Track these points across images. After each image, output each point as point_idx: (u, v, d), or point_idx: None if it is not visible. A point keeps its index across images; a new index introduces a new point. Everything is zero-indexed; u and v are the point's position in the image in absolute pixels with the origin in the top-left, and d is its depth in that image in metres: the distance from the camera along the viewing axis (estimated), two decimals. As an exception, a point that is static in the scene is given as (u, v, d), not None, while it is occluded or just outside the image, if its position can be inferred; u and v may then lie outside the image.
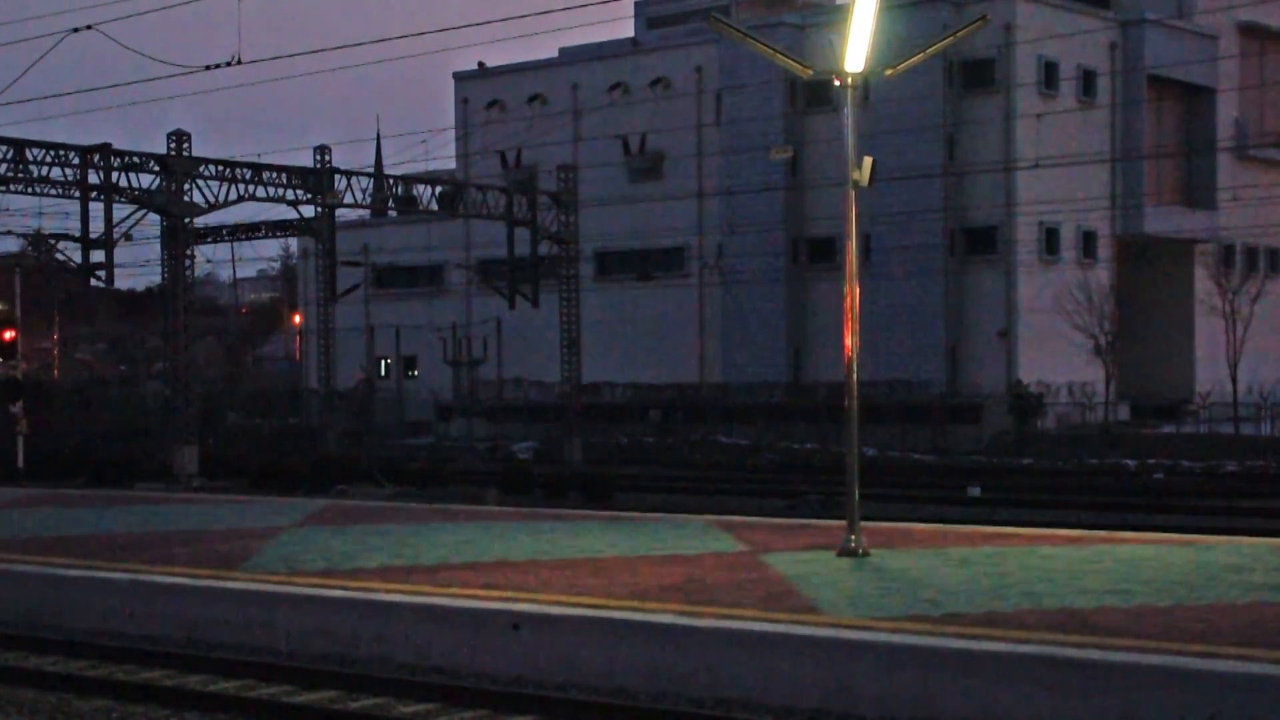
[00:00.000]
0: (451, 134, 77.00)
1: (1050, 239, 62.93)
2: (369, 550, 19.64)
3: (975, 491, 35.51)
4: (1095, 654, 11.81)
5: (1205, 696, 11.10)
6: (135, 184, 41.68)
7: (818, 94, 62.23)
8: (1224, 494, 35.53)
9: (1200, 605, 14.08)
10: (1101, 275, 63.06)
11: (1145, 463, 45.53)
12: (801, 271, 66.07)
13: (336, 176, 46.23)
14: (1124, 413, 61.83)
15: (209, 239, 53.05)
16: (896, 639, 12.64)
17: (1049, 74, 62.61)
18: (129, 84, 49.54)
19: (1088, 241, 64.50)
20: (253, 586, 16.69)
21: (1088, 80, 64.23)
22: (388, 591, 15.92)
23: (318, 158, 46.57)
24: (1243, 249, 69.29)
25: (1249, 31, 71.78)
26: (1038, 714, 11.66)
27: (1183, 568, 16.67)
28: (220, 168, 43.32)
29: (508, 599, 15.14)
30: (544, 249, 51.24)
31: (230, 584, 16.93)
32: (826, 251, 63.43)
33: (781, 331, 65.98)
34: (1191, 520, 27.39)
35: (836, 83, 18.54)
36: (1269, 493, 35.76)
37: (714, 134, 67.80)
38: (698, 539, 20.36)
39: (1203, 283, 65.13)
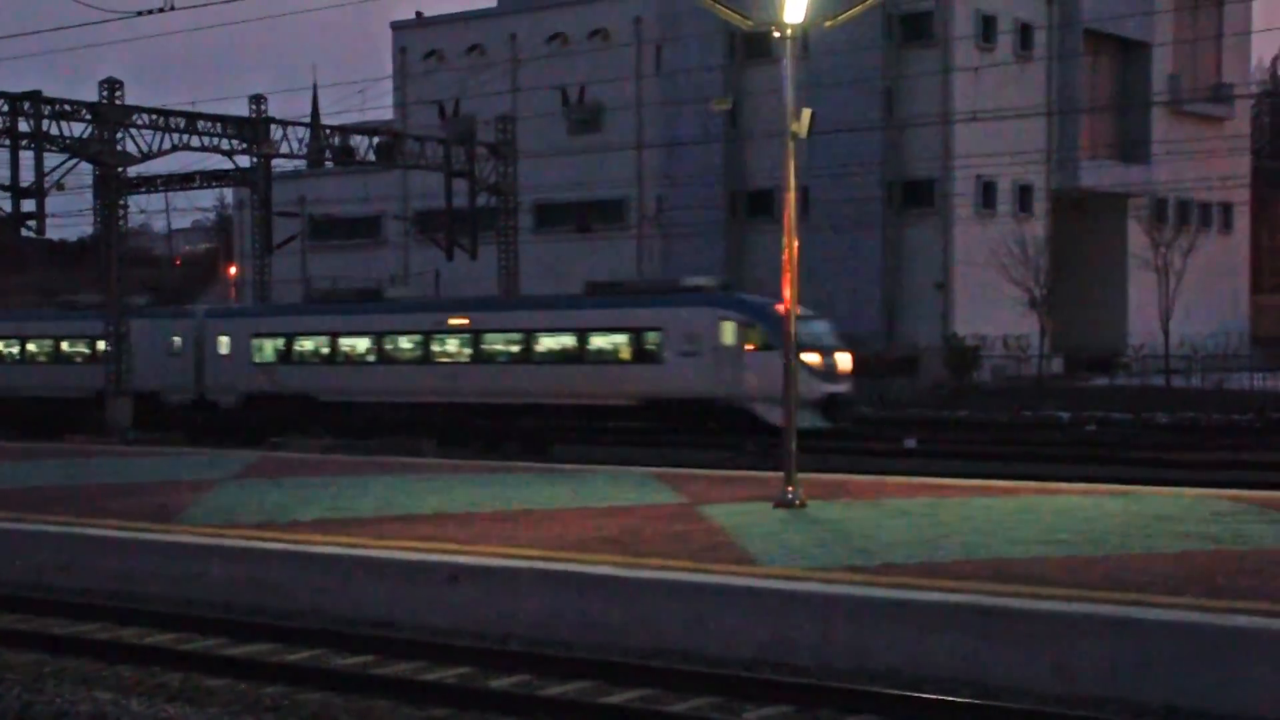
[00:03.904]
0: (389, 84, 76.44)
1: (987, 192, 63.25)
2: (305, 502, 19.56)
3: (911, 443, 35.72)
4: (1028, 603, 11.94)
5: (1136, 644, 11.25)
6: (67, 132, 41.06)
7: (757, 46, 62.05)
8: (1155, 445, 35.93)
9: (1132, 554, 14.26)
10: (1037, 228, 63.46)
11: (1079, 414, 45.98)
12: (740, 224, 66.09)
13: (272, 126, 45.74)
14: (1058, 365, 62.41)
15: (142, 189, 52.45)
16: (832, 590, 12.73)
17: (987, 27, 62.78)
18: (59, 29, 48.80)
19: (1024, 195, 64.88)
20: (187, 539, 16.59)
21: (1025, 34, 64.45)
22: (324, 544, 15.86)
23: (253, 107, 46.07)
24: (1175, 203, 69.92)
25: (1184, -14, 72.21)
26: (972, 663, 11.78)
27: (1115, 518, 16.87)
28: (154, 116, 42.74)
29: (445, 551, 15.13)
30: (482, 200, 50.95)
31: (165, 536, 16.81)
32: (765, 204, 63.45)
33: (720, 284, 65.95)
34: (1124, 471, 27.68)
35: (776, 34, 18.52)
36: (1199, 444, 36.20)
37: (653, 85, 67.57)
38: (636, 491, 20.40)
39: (1136, 237, 65.69)
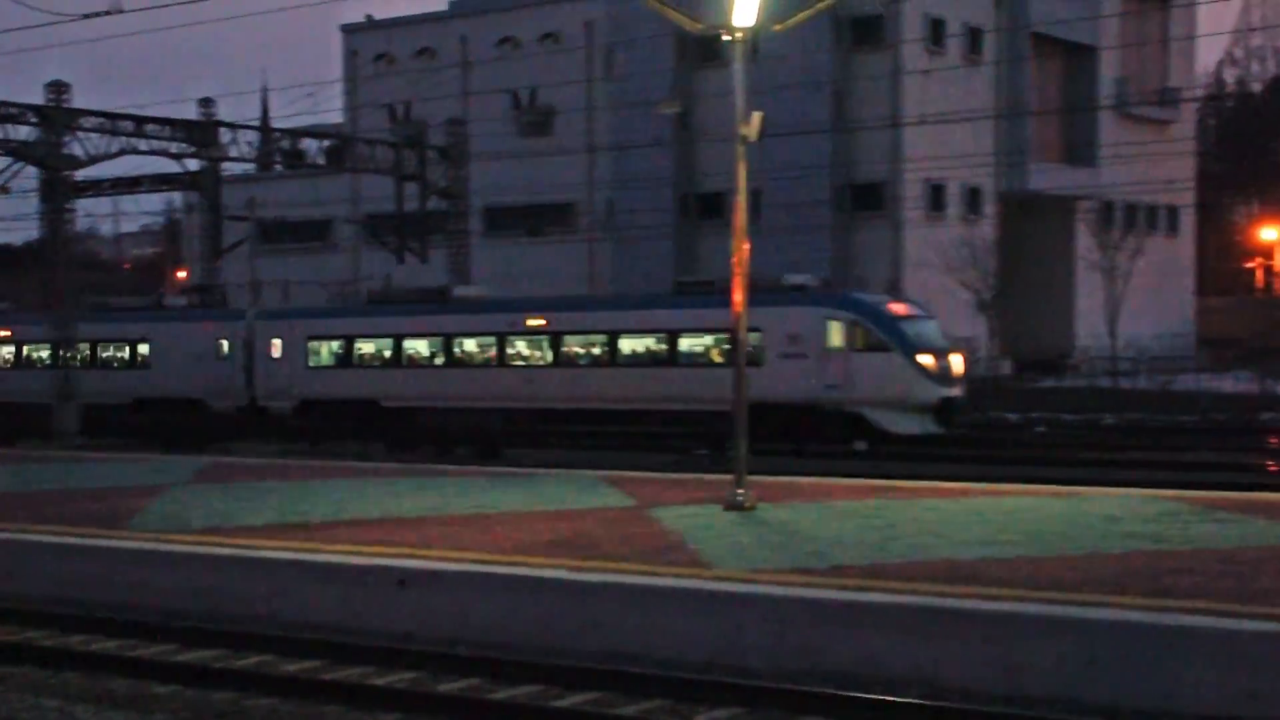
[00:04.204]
0: (339, 87, 76.15)
1: (936, 195, 63.60)
2: (254, 508, 19.45)
3: (861, 445, 35.80)
4: (977, 604, 12.01)
5: (1083, 643, 11.34)
6: (12, 135, 40.76)
7: (708, 49, 62.13)
8: (1102, 446, 36.23)
9: (1078, 555, 14.37)
10: (986, 231, 63.87)
11: (1027, 416, 46.26)
12: (691, 227, 66.18)
13: (221, 130, 45.51)
14: (1007, 367, 62.81)
15: (89, 192, 52.03)
16: (783, 591, 12.76)
17: (936, 31, 63.15)
18: (4, 31, 48.33)
19: (973, 198, 65.27)
20: (136, 545, 16.47)
21: (974, 37, 64.87)
22: (273, 549, 15.77)
23: (202, 110, 45.82)
24: (1123, 206, 70.49)
25: (1130, -9, 72.84)
26: (921, 664, 11.84)
27: (1062, 519, 17.00)
28: (101, 119, 42.45)
29: (394, 556, 15.07)
30: (433, 204, 50.85)
31: (113, 542, 16.68)
32: (716, 207, 63.55)
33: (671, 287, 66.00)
34: (1071, 472, 27.89)
35: (726, 37, 18.56)
36: (1145, 445, 36.53)
37: (604, 89, 67.58)
38: (586, 494, 20.39)
39: (1084, 239, 66.21)
